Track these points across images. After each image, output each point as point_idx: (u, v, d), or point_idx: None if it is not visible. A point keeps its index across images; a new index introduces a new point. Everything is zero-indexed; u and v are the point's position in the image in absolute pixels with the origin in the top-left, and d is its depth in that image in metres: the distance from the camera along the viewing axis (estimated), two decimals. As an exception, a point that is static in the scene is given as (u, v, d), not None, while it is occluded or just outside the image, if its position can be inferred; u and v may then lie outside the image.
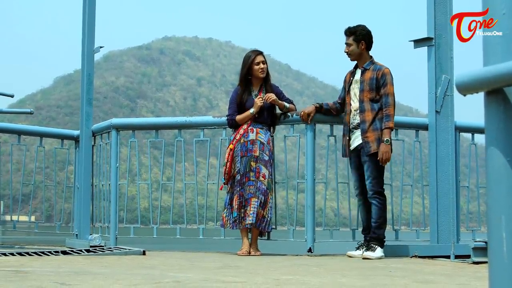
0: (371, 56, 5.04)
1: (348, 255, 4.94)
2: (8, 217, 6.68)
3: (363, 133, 4.89)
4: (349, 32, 5.01)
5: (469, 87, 1.42)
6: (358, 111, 4.95)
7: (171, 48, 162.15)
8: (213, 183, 5.75)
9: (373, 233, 4.85)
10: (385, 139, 4.81)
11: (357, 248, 4.93)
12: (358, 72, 5.03)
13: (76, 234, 6.01)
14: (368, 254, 4.73)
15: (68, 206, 6.73)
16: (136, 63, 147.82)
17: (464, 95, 1.45)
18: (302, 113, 5.24)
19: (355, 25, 5.04)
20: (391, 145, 4.88)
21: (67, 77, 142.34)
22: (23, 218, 6.60)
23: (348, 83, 5.09)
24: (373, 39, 5.05)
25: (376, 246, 4.78)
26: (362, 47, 4.99)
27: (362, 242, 4.98)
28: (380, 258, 4.71)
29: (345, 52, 5.03)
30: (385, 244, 4.89)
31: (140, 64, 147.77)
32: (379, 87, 4.89)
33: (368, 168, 4.88)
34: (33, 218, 7.10)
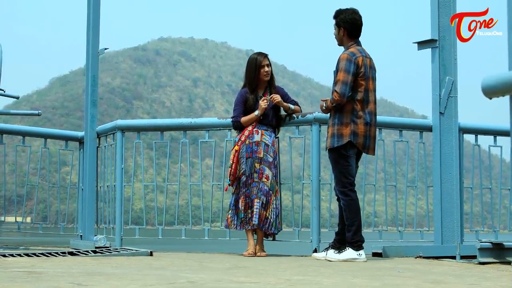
0: (353, 44, 4.66)
1: (313, 256, 4.81)
2: (7, 218, 6.68)
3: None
4: (334, 15, 4.73)
5: (495, 90, 1.44)
6: None
7: (167, 49, 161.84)
8: (219, 184, 5.77)
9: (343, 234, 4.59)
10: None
11: (325, 249, 4.71)
12: None
13: (81, 235, 6.03)
14: (330, 256, 4.54)
15: (69, 207, 6.72)
16: (131, 64, 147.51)
17: (490, 98, 1.48)
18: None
19: (345, 8, 4.71)
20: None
21: (62, 78, 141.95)
22: (19, 219, 6.54)
23: None
24: (361, 26, 4.68)
25: (347, 248, 4.48)
26: (342, 33, 4.69)
27: (330, 243, 4.77)
28: (345, 260, 4.39)
29: None
30: (359, 246, 4.48)
31: (136, 65, 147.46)
32: None
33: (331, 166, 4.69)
34: (28, 219, 7.11)
